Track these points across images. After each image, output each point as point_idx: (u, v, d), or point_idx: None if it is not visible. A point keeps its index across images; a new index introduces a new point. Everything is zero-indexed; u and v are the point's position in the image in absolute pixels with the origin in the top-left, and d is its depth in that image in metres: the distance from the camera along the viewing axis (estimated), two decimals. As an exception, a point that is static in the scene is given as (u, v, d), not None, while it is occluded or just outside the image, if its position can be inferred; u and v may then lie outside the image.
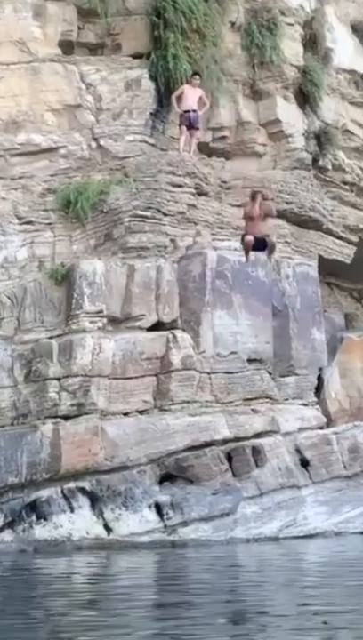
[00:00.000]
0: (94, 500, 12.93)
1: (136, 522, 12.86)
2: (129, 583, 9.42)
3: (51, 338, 13.71)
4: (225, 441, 14.10)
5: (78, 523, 12.74)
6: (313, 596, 8.32)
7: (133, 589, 8.87)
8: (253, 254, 13.93)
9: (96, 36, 16.00)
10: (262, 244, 13.48)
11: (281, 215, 16.45)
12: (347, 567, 10.72)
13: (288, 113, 17.14)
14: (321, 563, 11.71)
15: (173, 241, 14.98)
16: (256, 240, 13.38)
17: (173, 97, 15.55)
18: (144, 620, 7.04)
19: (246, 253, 13.76)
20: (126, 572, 10.53)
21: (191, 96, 15.47)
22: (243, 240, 13.66)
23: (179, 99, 15.51)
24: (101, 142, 15.39)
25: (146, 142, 15.66)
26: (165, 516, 13.02)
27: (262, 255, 14.10)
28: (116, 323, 14.12)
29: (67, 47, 15.70)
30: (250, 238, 13.41)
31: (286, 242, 16.57)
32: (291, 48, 17.26)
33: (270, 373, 15.51)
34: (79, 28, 15.86)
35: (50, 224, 14.71)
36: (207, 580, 9.70)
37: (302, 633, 6.41)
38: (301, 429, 15.21)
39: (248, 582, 9.45)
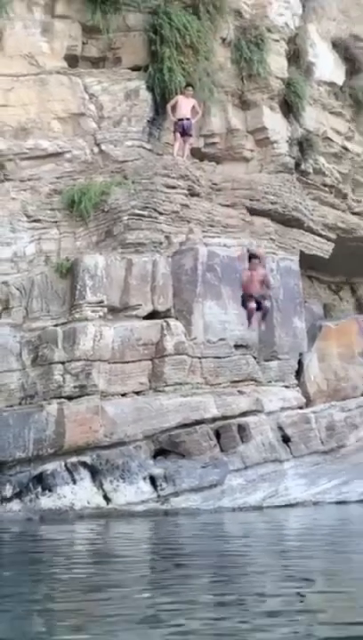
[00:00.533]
0: (95, 473, 13.02)
1: (132, 492, 12.97)
2: (126, 547, 9.51)
3: (56, 326, 13.74)
4: (214, 419, 14.21)
5: (80, 493, 12.83)
6: (292, 558, 8.47)
7: (129, 552, 8.99)
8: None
9: (98, 50, 16.01)
10: (258, 305, 13.77)
11: (266, 214, 16.63)
12: (324, 533, 10.87)
13: (273, 121, 17.18)
14: (300, 529, 11.89)
15: (167, 237, 15.05)
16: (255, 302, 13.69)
17: (169, 106, 15.60)
18: (139, 578, 7.16)
19: (249, 318, 13.98)
20: (124, 537, 10.63)
21: (185, 105, 15.53)
22: (244, 303, 13.84)
23: (173, 108, 15.56)
24: (103, 147, 15.42)
25: (143, 147, 15.71)
26: (158, 487, 13.13)
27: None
28: (116, 312, 14.18)
29: (72, 60, 15.72)
30: (253, 306, 13.73)
31: (271, 239, 16.66)
32: (276, 62, 17.28)
33: (255, 358, 15.59)
34: (83, 43, 15.86)
35: (56, 222, 14.75)
36: (196, 544, 9.82)
37: (279, 591, 6.57)
38: (282, 409, 15.32)
39: (233, 546, 9.56)
